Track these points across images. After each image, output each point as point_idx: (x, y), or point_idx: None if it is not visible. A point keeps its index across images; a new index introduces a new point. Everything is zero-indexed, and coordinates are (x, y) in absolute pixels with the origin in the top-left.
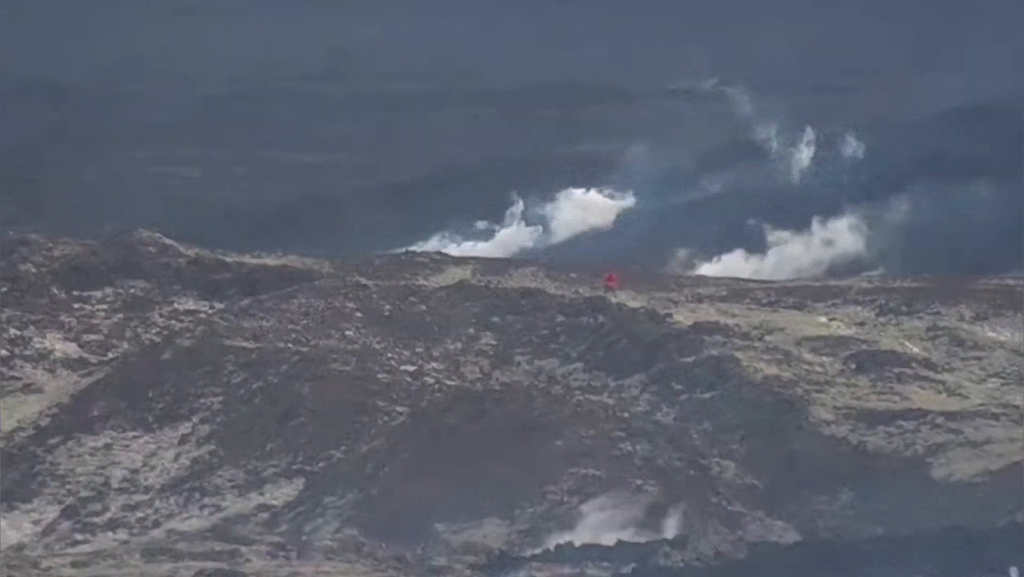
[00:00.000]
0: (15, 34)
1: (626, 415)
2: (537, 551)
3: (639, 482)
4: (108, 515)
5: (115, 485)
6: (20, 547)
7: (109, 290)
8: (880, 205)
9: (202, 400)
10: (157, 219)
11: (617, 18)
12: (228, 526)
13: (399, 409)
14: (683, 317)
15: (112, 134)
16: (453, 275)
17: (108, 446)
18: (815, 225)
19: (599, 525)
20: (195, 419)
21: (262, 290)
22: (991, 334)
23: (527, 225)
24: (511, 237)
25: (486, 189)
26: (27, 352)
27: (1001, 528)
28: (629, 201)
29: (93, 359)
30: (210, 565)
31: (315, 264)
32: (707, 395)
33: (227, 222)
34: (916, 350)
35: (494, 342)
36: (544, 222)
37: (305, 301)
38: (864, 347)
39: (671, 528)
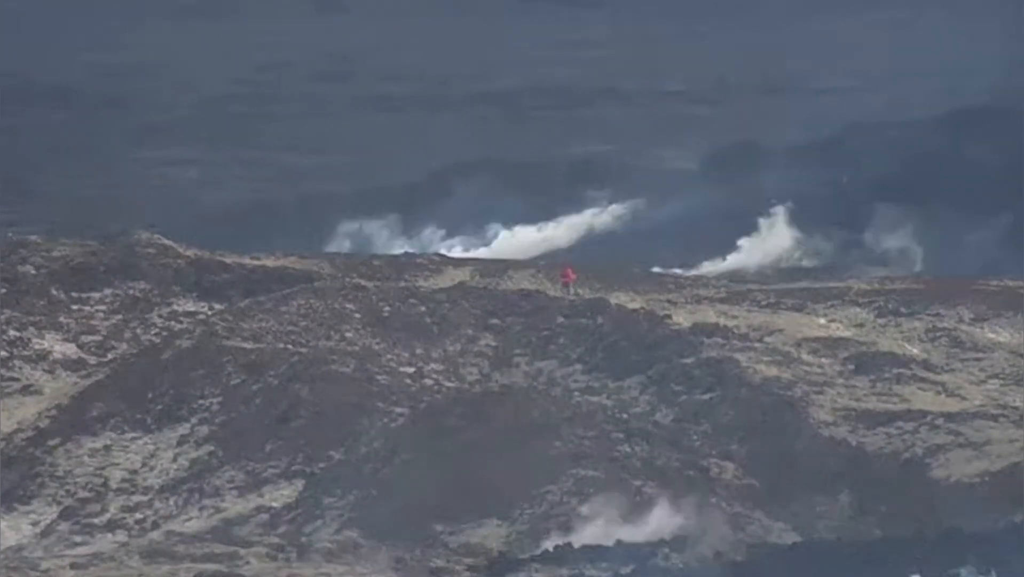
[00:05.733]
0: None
1: (625, 416)
2: (536, 552)
3: (638, 483)
4: (107, 516)
5: (114, 486)
6: (19, 549)
7: (108, 291)
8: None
9: (201, 401)
10: (156, 220)
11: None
12: (227, 528)
13: (398, 410)
14: (682, 318)
15: (112, 135)
16: (452, 276)
17: (107, 447)
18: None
19: (598, 526)
20: (194, 420)
21: (261, 291)
22: (991, 335)
23: (526, 226)
24: (510, 238)
25: (486, 189)
26: (26, 353)
27: (1000, 529)
28: (629, 202)
29: (92, 360)
30: (209, 567)
31: (314, 265)
32: (706, 396)
33: (227, 223)
34: (915, 351)
35: (493, 344)
36: (543, 223)
37: (304, 302)
38: (863, 348)
39: (670, 529)
